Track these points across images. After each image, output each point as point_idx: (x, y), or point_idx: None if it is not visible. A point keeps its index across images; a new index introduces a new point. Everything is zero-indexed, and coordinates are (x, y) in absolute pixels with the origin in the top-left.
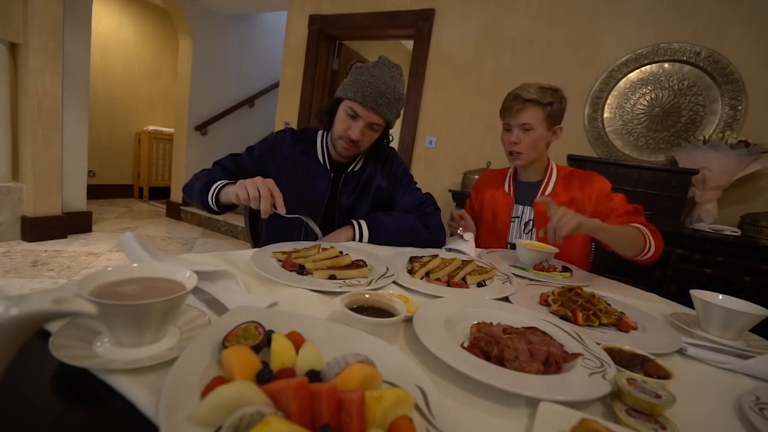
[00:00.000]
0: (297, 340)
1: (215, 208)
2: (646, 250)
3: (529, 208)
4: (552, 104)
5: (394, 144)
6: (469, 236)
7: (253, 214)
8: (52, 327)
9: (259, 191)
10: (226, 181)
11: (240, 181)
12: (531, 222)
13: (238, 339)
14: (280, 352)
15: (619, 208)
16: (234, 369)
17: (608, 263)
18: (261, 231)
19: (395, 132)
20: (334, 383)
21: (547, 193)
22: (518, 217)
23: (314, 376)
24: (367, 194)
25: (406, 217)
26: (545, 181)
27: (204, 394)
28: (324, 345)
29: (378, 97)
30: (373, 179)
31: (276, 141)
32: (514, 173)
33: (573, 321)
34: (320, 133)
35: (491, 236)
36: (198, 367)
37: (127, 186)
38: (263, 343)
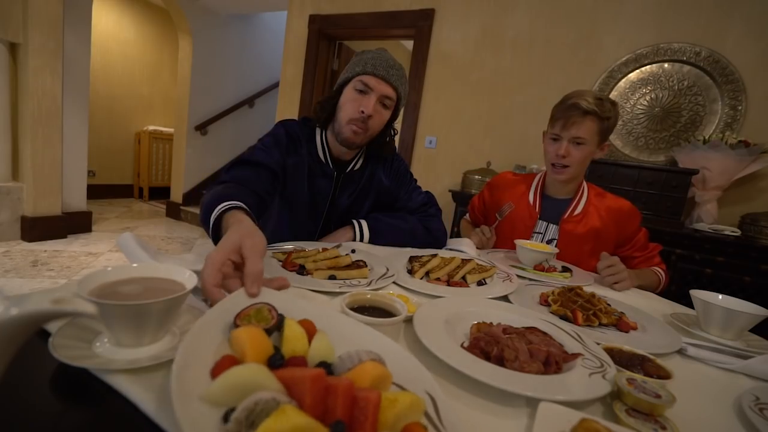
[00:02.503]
0: (309, 329)
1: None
2: (659, 288)
3: (554, 226)
4: (609, 119)
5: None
6: (470, 242)
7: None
8: (52, 327)
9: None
10: (234, 204)
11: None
12: (554, 241)
13: (250, 319)
14: (293, 339)
15: (640, 240)
16: (246, 350)
17: None
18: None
19: None
20: (350, 380)
21: (576, 212)
22: (540, 233)
23: (326, 368)
24: (369, 194)
25: (406, 218)
26: (576, 199)
27: (214, 371)
28: (335, 337)
29: (388, 68)
30: (374, 178)
31: (292, 137)
32: (542, 185)
33: (573, 321)
34: (318, 131)
35: (506, 247)
36: (209, 343)
37: (127, 186)
38: (275, 327)
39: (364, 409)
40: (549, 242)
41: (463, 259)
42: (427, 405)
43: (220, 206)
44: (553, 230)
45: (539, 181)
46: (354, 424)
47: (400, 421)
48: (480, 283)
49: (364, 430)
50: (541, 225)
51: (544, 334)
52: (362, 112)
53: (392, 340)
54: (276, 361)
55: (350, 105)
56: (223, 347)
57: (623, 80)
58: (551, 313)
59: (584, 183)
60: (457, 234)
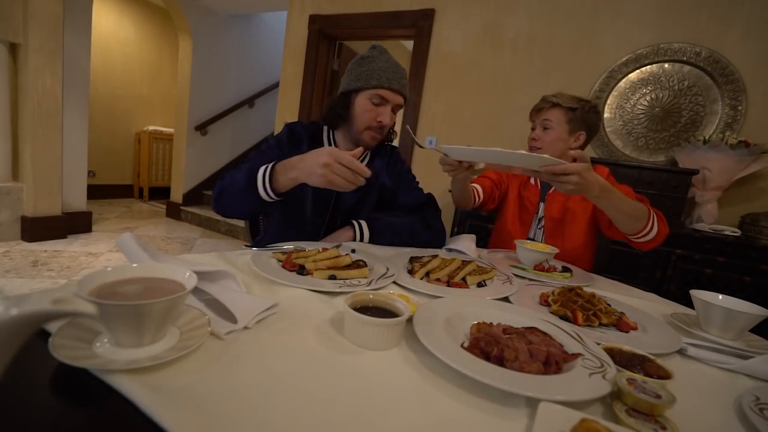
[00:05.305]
0: None
1: (270, 193)
2: (648, 228)
3: (542, 204)
4: (575, 110)
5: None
6: (470, 237)
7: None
8: (52, 327)
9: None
10: (271, 164)
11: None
12: (542, 218)
13: None
14: None
15: (626, 193)
16: None
17: (608, 263)
18: (261, 231)
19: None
20: None
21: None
22: (536, 212)
23: None
24: (372, 192)
25: (406, 217)
26: None
27: None
28: None
29: (400, 78)
30: (378, 176)
31: (294, 135)
32: None
33: (573, 321)
34: (325, 129)
35: (517, 223)
36: None
37: (127, 186)
38: None
39: None
40: (540, 219)
41: (463, 261)
42: None
43: (261, 168)
44: (542, 208)
45: None
46: None
47: None
48: (480, 285)
49: None
50: (539, 205)
51: (544, 334)
52: (380, 122)
53: None
54: None
55: (367, 115)
56: None
57: (623, 80)
58: (551, 313)
59: None
60: (457, 234)
